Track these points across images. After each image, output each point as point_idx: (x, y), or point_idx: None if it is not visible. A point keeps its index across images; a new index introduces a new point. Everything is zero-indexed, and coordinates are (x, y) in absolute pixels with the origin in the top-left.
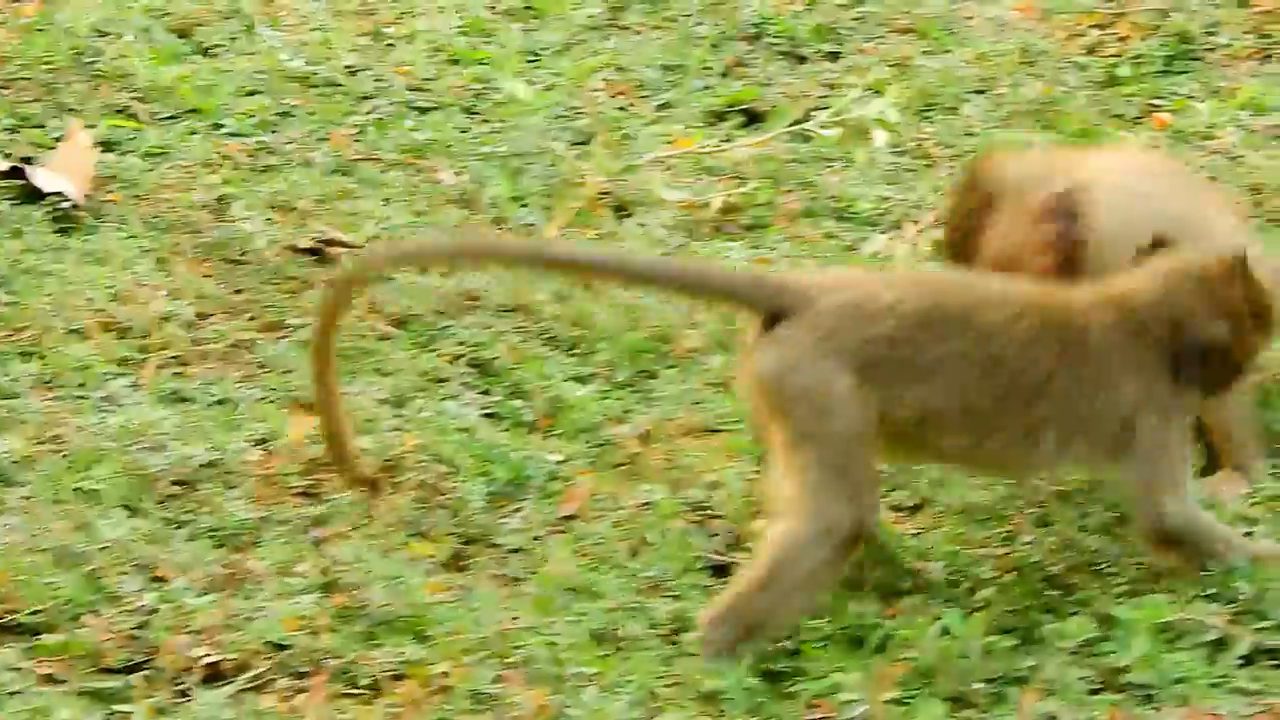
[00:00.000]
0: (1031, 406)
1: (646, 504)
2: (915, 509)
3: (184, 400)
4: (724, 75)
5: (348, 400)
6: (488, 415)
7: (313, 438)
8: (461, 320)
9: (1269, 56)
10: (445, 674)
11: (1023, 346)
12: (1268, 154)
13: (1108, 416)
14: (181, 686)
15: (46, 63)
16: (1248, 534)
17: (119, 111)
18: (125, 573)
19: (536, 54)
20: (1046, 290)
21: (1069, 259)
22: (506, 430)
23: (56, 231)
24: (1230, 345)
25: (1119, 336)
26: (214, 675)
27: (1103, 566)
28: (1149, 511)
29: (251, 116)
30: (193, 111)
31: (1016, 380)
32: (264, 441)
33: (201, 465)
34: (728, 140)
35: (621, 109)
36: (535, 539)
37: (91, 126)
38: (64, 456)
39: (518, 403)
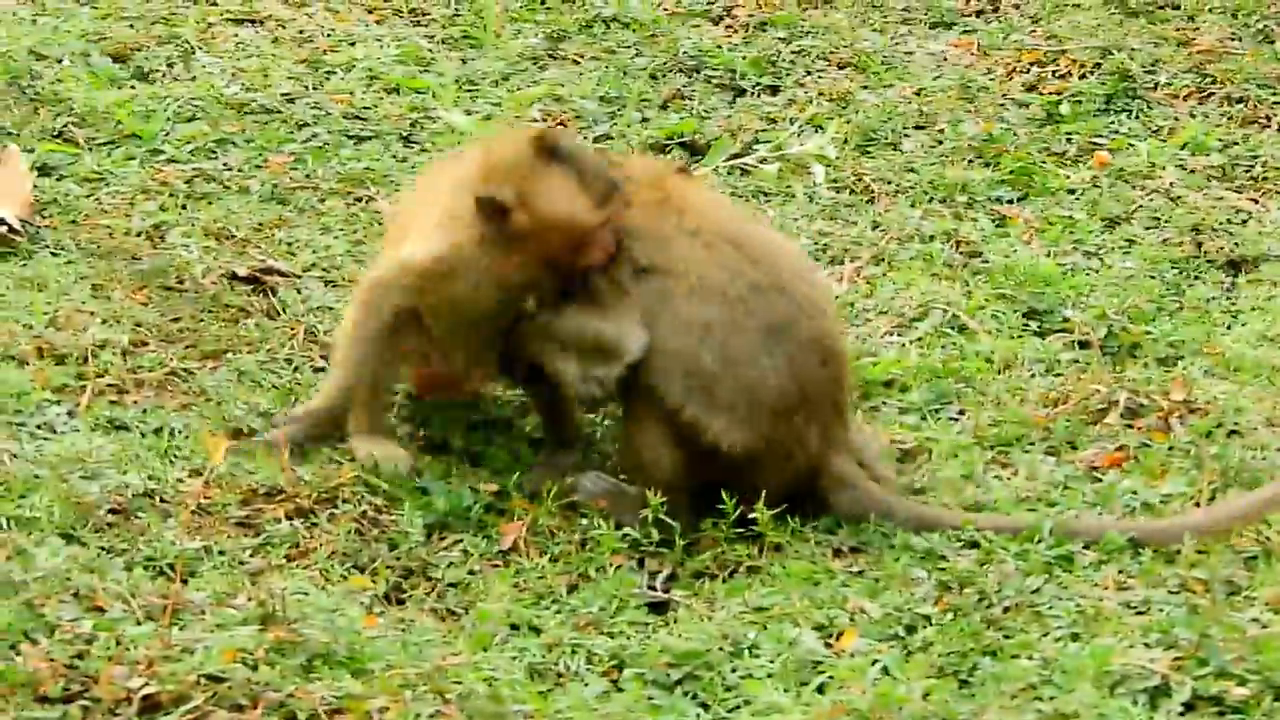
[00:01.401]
0: None
1: (586, 540)
2: (855, 550)
3: (121, 428)
4: (663, 107)
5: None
6: (423, 447)
7: (250, 467)
8: None
9: (1208, 96)
10: (384, 709)
11: None
12: (1208, 194)
13: None
14: (119, 717)
15: None
16: None
17: (56, 136)
18: (63, 601)
19: (474, 83)
20: None
21: None
22: (442, 462)
23: None
24: None
25: None
26: (151, 706)
27: (1042, 608)
28: None
29: (189, 143)
30: (130, 137)
31: None
32: (201, 471)
33: (138, 494)
34: None
35: None
36: (473, 573)
37: (29, 151)
38: (0, 484)
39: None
